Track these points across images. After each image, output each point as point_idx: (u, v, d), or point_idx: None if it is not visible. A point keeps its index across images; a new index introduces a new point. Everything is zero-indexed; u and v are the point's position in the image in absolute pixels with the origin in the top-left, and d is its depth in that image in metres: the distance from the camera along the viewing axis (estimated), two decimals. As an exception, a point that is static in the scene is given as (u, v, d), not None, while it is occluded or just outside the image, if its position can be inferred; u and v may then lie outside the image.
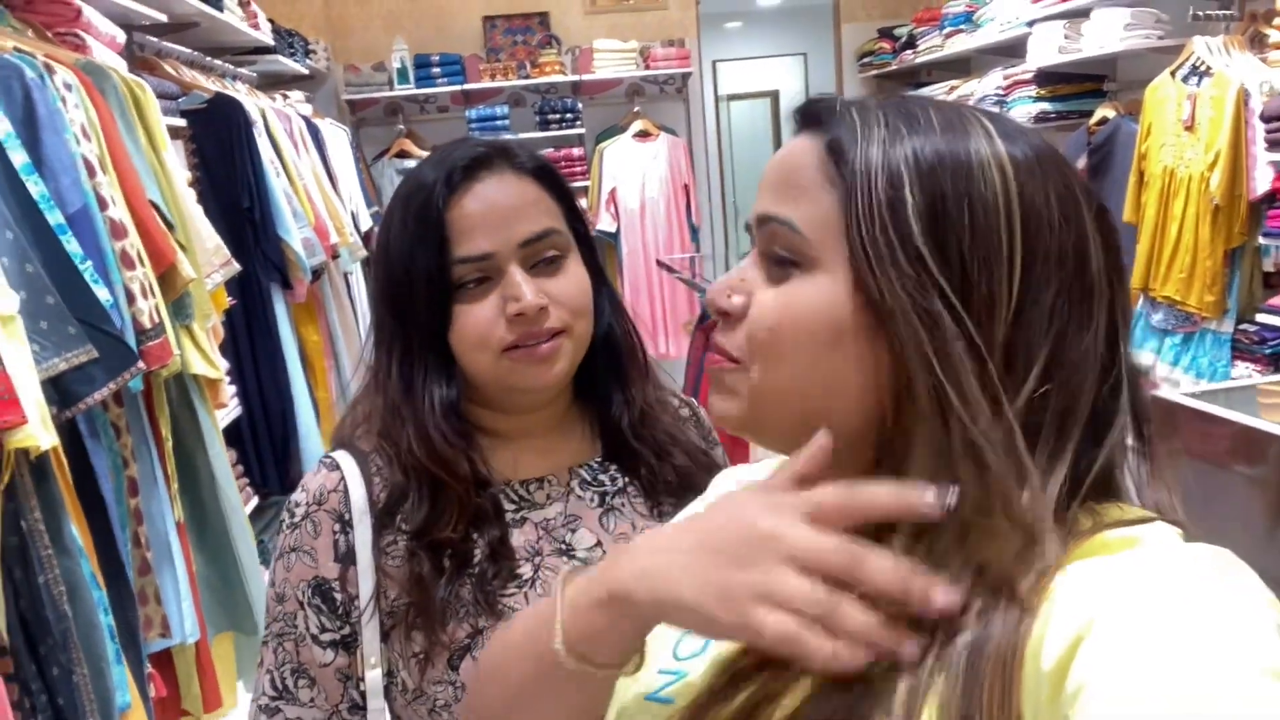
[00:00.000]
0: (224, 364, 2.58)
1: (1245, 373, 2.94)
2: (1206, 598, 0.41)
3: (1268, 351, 2.89)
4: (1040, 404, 0.50)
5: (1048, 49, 3.78)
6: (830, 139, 0.54)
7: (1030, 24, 3.93)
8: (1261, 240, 2.86)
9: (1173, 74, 3.11)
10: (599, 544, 0.88)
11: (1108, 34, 3.45)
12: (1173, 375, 3.17)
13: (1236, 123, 2.84)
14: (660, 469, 0.91)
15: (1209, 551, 0.46)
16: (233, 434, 2.81)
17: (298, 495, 0.86)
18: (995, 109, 3.96)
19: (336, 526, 0.84)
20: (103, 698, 1.56)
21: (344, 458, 0.86)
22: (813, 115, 0.57)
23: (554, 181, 0.88)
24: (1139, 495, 0.53)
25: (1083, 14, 3.62)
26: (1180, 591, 0.42)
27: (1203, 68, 3.00)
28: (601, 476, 0.92)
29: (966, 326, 0.49)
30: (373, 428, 0.88)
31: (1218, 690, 0.37)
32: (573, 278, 0.86)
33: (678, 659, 0.62)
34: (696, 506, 0.74)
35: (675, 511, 0.90)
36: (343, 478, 0.85)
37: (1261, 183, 2.82)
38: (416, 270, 0.82)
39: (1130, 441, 0.53)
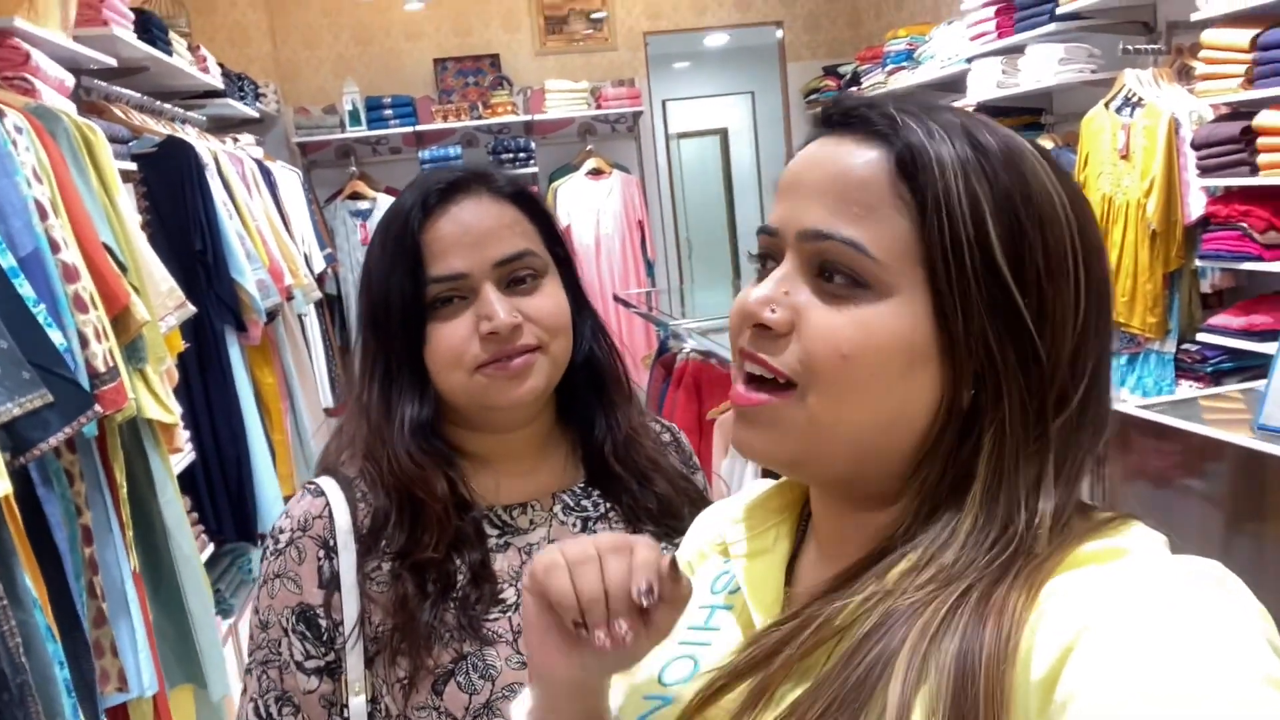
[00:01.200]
0: (178, 408, 2.53)
1: (1189, 391, 3.04)
2: (1195, 608, 0.41)
3: (1209, 370, 2.99)
4: (1080, 415, 0.52)
5: (987, 84, 3.92)
6: (899, 157, 0.51)
7: (969, 60, 4.07)
8: (1198, 263, 2.97)
9: (1106, 105, 3.24)
10: None
11: (1043, 69, 3.58)
12: (1119, 395, 3.27)
13: (1169, 151, 2.96)
14: (642, 495, 0.91)
15: (1199, 563, 0.45)
16: (187, 480, 2.75)
17: (281, 522, 0.86)
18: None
19: (321, 552, 0.83)
20: (58, 755, 1.51)
21: (328, 483, 0.86)
22: (857, 118, 0.53)
23: (532, 205, 0.90)
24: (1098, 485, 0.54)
25: (1019, 50, 3.77)
26: (1169, 602, 0.42)
27: (1135, 99, 3.13)
28: (584, 502, 0.92)
29: (1036, 349, 0.50)
30: (357, 451, 0.88)
31: (1207, 697, 0.37)
32: (549, 297, 0.87)
33: (663, 684, 0.62)
34: (683, 552, 0.73)
35: (655, 533, 0.91)
36: (327, 503, 0.84)
37: (1195, 208, 2.94)
38: (393, 291, 0.83)
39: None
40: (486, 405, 0.85)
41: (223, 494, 2.94)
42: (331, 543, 0.83)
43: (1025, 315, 0.50)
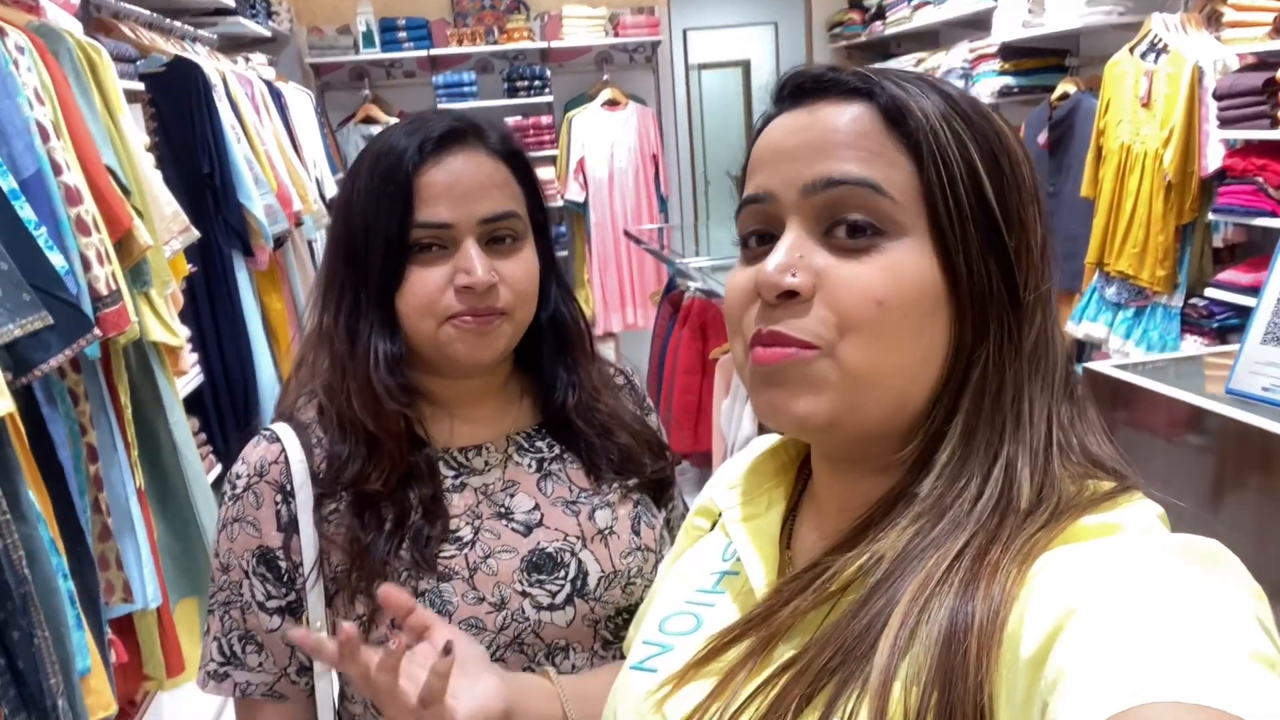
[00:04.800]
0: (185, 331, 2.57)
1: (1194, 346, 3.02)
2: (1184, 587, 0.41)
3: (1215, 325, 2.97)
4: (1037, 346, 0.54)
5: (1012, 24, 3.82)
6: (885, 107, 0.53)
7: (995, -2, 3.96)
8: (1211, 216, 2.92)
9: (1131, 50, 3.16)
10: (537, 507, 0.91)
11: (1070, 10, 3.48)
12: (1124, 348, 3.25)
13: (1190, 100, 2.89)
14: (604, 447, 0.94)
15: (1192, 540, 0.45)
16: (195, 402, 2.80)
17: (238, 468, 0.88)
18: (960, 83, 3.99)
19: (278, 497, 0.85)
20: (63, 662, 1.58)
21: (283, 429, 0.88)
22: (830, 83, 0.55)
23: (523, 167, 0.90)
24: (1082, 446, 0.54)
25: (1046, -11, 3.66)
26: (1158, 581, 0.42)
27: (1160, 45, 3.05)
28: (539, 443, 0.95)
29: (1016, 281, 0.52)
30: (316, 383, 0.89)
31: (1193, 674, 0.37)
32: (524, 262, 0.88)
33: (663, 632, 0.64)
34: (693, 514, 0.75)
35: (616, 481, 0.93)
36: (283, 449, 0.86)
37: (1213, 160, 2.88)
38: (376, 229, 0.84)
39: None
40: (446, 356, 0.87)
41: (230, 417, 3.00)
42: (288, 487, 0.85)
43: (1010, 249, 0.52)
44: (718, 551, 0.68)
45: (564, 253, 5.46)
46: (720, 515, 0.66)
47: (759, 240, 0.56)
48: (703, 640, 0.57)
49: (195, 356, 2.75)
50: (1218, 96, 2.79)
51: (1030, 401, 0.53)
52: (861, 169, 0.52)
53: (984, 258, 0.52)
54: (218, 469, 2.86)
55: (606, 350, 5.45)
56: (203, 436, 2.84)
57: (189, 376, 2.63)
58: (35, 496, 1.62)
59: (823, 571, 0.52)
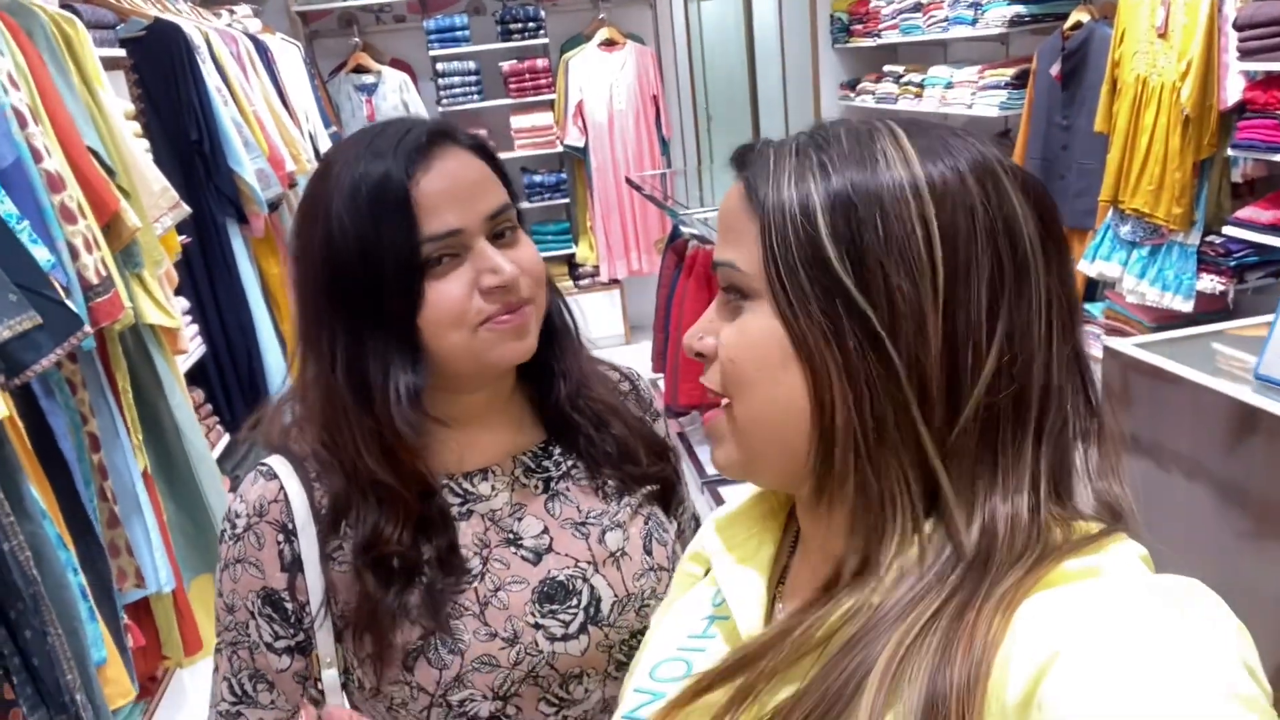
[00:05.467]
0: (183, 305, 2.53)
1: (1210, 285, 2.96)
2: (1165, 630, 0.42)
3: (1233, 264, 2.90)
4: (995, 389, 0.51)
5: (1022, -51, 3.66)
6: (746, 180, 0.57)
7: (1005, -79, 3.79)
8: (1230, 152, 2.83)
9: (1148, -23, 3.02)
10: (546, 530, 0.88)
11: (1083, -67, 3.34)
12: (1138, 288, 3.19)
13: (1209, 30, 2.78)
14: (600, 439, 0.91)
15: (1174, 582, 0.46)
16: (199, 374, 2.78)
17: (237, 506, 0.84)
18: (970, 11, 3.77)
19: (280, 537, 0.82)
20: (78, 656, 1.58)
21: (280, 465, 0.84)
22: (740, 159, 0.59)
23: (494, 159, 0.87)
24: (1089, 482, 0.54)
25: (1059, -89, 3.50)
26: (1139, 624, 0.43)
27: (1178, -29, 2.91)
28: (545, 462, 0.92)
29: (885, 346, 0.51)
30: (307, 432, 0.85)
31: (1177, 713, 0.38)
32: (529, 247, 0.86)
33: (654, 679, 0.64)
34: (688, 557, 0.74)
35: (617, 486, 0.91)
36: (282, 487, 0.83)
37: (1232, 93, 2.77)
38: (382, 255, 0.78)
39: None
40: (486, 363, 0.82)
41: (235, 386, 2.98)
42: (290, 526, 0.82)
43: (864, 306, 0.51)
44: (709, 596, 0.67)
45: (565, 199, 5.37)
46: (707, 561, 0.66)
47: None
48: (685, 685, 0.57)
49: (195, 328, 2.72)
50: (1238, 27, 2.68)
51: (1021, 446, 0.52)
52: (727, 250, 0.57)
53: (826, 315, 0.51)
54: (225, 440, 2.85)
55: (612, 298, 5.40)
56: (209, 408, 2.82)
57: (191, 348, 2.60)
58: (39, 492, 1.61)
59: (804, 620, 0.53)
